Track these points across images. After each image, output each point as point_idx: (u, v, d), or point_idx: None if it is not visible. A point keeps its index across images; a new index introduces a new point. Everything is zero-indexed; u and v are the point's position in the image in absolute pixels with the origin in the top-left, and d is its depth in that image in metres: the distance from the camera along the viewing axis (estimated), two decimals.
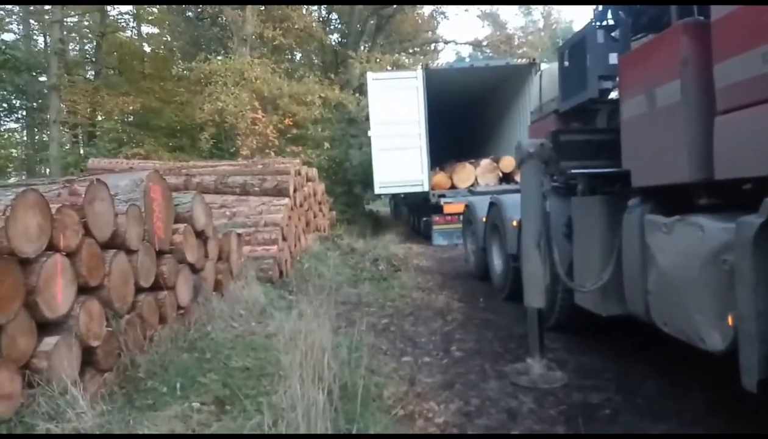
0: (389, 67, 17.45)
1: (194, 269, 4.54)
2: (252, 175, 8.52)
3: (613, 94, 4.05)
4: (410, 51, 25.67)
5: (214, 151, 16.66)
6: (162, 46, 23.72)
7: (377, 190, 12.67)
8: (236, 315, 4.56)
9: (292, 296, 5.75)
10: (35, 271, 2.73)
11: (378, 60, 17.93)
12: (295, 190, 8.48)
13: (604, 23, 3.97)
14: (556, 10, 31.38)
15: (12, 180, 18.42)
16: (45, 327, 2.79)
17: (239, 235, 6.00)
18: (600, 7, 3.92)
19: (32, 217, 2.74)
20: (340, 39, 24.02)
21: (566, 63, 4.53)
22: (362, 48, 20.91)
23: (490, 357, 4.26)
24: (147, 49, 23.95)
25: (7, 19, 22.14)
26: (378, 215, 19.82)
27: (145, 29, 24.77)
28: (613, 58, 3.84)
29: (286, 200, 7.89)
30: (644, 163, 3.29)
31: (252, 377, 3.26)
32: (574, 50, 4.36)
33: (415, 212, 15.01)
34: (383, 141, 11.90)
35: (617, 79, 3.74)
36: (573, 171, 4.08)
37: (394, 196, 18.50)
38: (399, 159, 11.78)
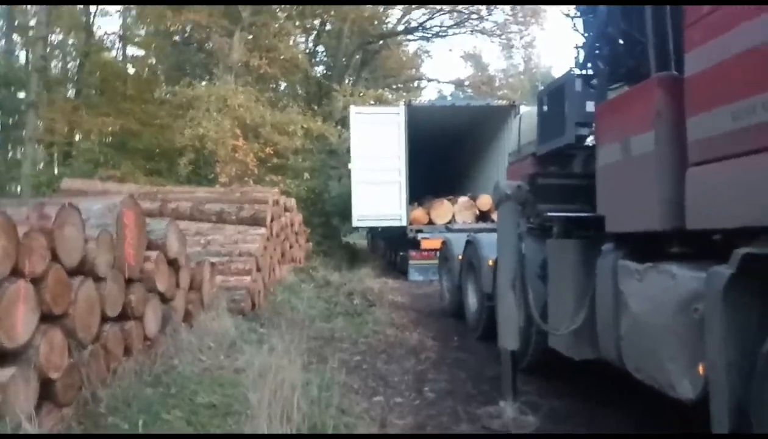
0: (372, 102, 17.67)
1: (164, 299, 4.43)
2: (229, 203, 8.43)
3: (589, 141, 4.14)
4: (394, 87, 26.09)
5: (192, 177, 16.51)
6: (146, 69, 23.69)
7: (355, 223, 12.65)
8: (205, 348, 4.44)
9: (264, 330, 5.63)
10: None
11: (361, 94, 18.17)
12: (272, 220, 8.41)
13: (583, 72, 4.09)
14: (536, 55, 32.38)
15: None
16: (1, 357, 2.66)
17: (213, 264, 5.90)
18: (580, 57, 4.04)
19: None
20: (325, 71, 24.32)
21: (545, 108, 4.63)
22: (347, 81, 21.17)
23: (462, 399, 4.21)
24: (131, 70, 23.90)
25: None
26: (355, 248, 19.74)
27: (131, 51, 24.79)
28: (590, 106, 3.94)
29: (263, 230, 7.81)
30: (618, 209, 3.34)
31: (218, 414, 3.16)
32: (553, 96, 4.47)
33: (392, 246, 15.00)
34: (363, 174, 11.96)
35: (594, 126, 3.83)
36: (549, 214, 4.13)
37: (371, 230, 18.48)
38: (378, 193, 11.83)
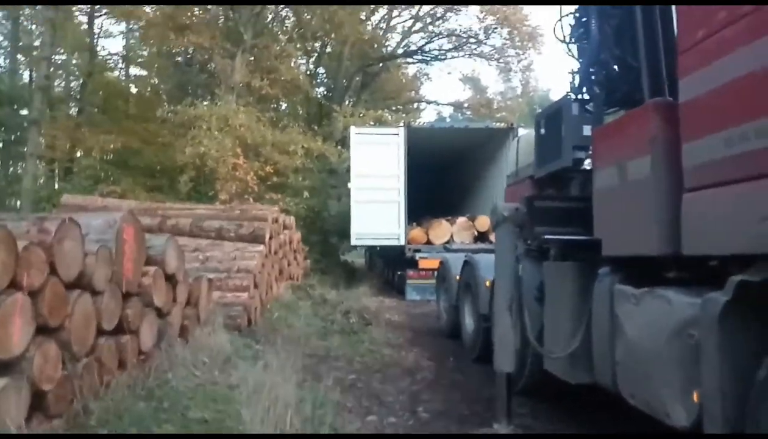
0: (372, 123, 17.80)
1: (161, 313, 4.42)
2: (228, 221, 8.46)
3: (586, 164, 4.18)
4: (393, 108, 26.32)
5: (193, 194, 16.54)
6: (149, 89, 23.88)
7: (353, 242, 12.67)
8: (199, 363, 4.41)
9: (259, 346, 5.61)
10: None
11: (361, 115, 18.32)
12: (270, 238, 8.42)
13: (579, 96, 4.14)
14: (534, 78, 32.71)
15: None
16: None
17: (210, 280, 5.90)
18: (576, 82, 4.10)
19: None
20: (325, 92, 24.54)
21: (542, 131, 4.68)
22: (347, 102, 21.37)
23: (456, 420, 4.18)
24: (133, 90, 24.08)
25: None
26: (353, 266, 19.70)
27: (134, 71, 25.03)
28: (587, 130, 3.99)
29: (261, 247, 7.82)
30: (615, 233, 3.36)
31: (210, 430, 3.13)
32: (551, 120, 4.52)
33: (389, 266, 14.98)
34: (362, 193, 12.02)
35: (590, 150, 3.87)
36: (546, 236, 4.15)
37: (369, 248, 18.49)
38: (376, 212, 11.88)
